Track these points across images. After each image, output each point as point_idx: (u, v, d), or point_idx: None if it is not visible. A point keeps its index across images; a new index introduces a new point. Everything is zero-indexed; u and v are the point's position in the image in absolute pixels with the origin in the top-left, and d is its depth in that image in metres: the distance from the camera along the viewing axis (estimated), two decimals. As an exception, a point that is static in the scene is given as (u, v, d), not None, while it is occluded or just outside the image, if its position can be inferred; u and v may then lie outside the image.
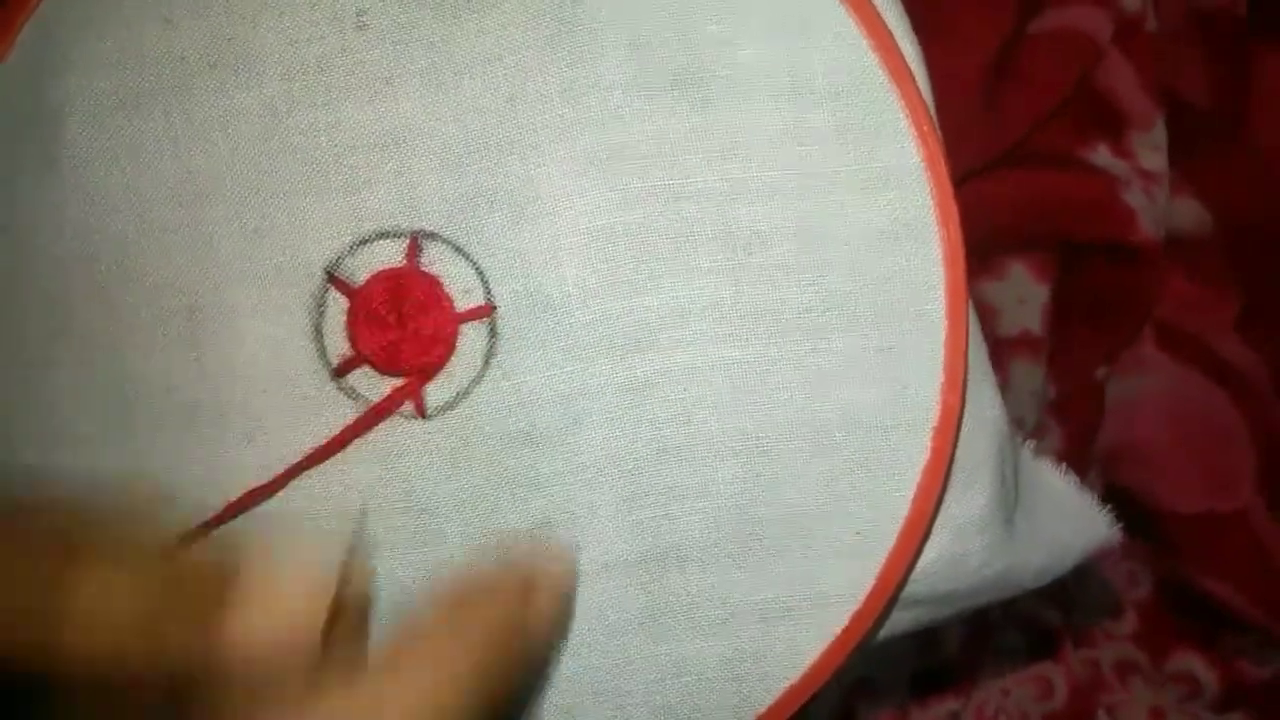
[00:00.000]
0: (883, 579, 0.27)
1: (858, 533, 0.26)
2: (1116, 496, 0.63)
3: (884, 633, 0.30)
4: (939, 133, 0.26)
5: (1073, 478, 0.33)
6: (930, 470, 0.26)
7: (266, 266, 0.26)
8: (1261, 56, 0.58)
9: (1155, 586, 0.59)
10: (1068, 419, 0.63)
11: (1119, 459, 0.63)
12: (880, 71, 0.26)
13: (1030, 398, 0.63)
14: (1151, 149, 0.58)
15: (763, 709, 0.27)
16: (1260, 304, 0.59)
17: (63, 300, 0.26)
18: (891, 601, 0.27)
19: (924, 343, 0.26)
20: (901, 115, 0.26)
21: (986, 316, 0.61)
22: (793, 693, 0.27)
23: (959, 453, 0.28)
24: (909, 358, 0.26)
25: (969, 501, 0.29)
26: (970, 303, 0.27)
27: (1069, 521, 0.32)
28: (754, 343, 0.26)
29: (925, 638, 0.58)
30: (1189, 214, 0.59)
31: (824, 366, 0.26)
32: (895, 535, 0.26)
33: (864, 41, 0.26)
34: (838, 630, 0.27)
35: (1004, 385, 0.71)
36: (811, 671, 0.27)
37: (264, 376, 0.26)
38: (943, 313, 0.26)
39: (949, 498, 0.28)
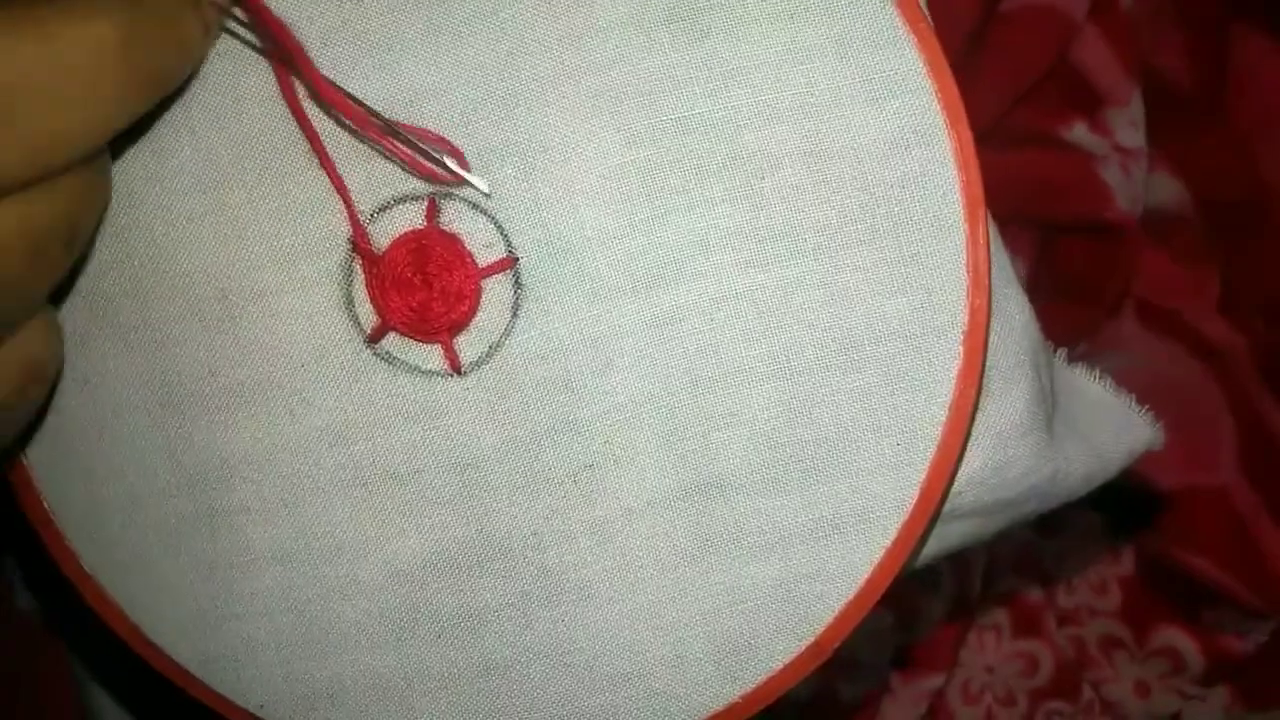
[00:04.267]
0: (927, 488, 0.27)
1: (897, 444, 0.27)
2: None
3: (937, 547, 0.30)
4: (936, 36, 0.26)
5: (1109, 383, 0.32)
6: (965, 374, 0.26)
7: (291, 243, 0.27)
8: (1239, 34, 0.58)
9: (1139, 563, 0.60)
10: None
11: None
12: (872, -19, 0.26)
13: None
14: (1129, 125, 0.58)
15: (822, 628, 0.27)
16: (1239, 281, 0.59)
17: (101, 296, 0.27)
18: (938, 510, 0.27)
19: (945, 248, 0.26)
20: (899, 22, 0.26)
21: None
22: (851, 609, 0.27)
23: (992, 358, 0.28)
24: (931, 264, 0.26)
25: (1007, 407, 0.29)
26: (986, 208, 0.27)
27: (1110, 425, 0.32)
28: (775, 266, 0.26)
29: (907, 614, 0.58)
30: (1167, 191, 0.59)
31: (847, 282, 0.26)
32: (935, 443, 0.26)
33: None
34: (888, 543, 0.27)
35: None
36: (867, 586, 0.27)
37: (301, 351, 0.27)
38: (961, 215, 0.26)
39: (987, 404, 0.29)
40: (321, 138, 0.27)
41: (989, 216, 0.27)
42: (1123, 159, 0.58)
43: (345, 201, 0.27)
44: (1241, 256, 0.58)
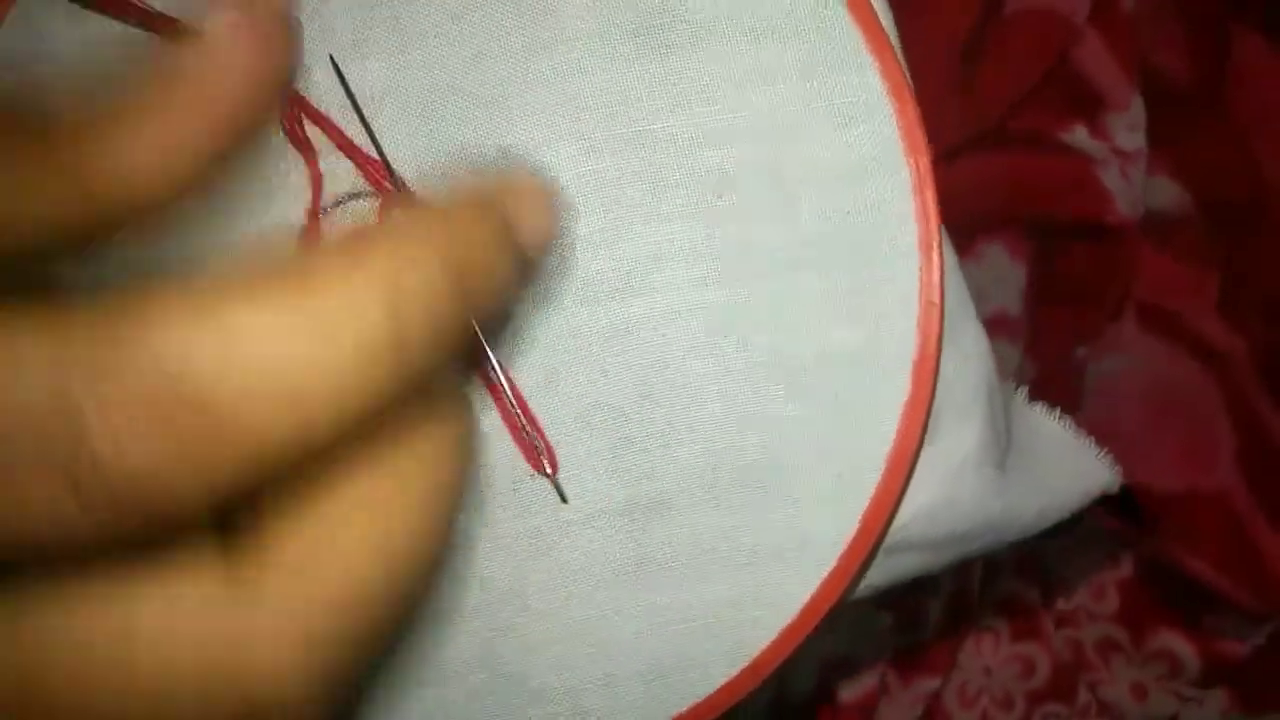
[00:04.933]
0: (867, 520, 0.26)
1: (839, 474, 0.26)
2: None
3: (888, 576, 0.30)
4: (904, 66, 0.26)
5: (1069, 423, 0.32)
6: (911, 408, 0.26)
7: (244, 231, 0.27)
8: (1238, 35, 0.58)
9: (1137, 565, 0.60)
10: (1047, 399, 0.63)
11: (1099, 439, 0.64)
12: (841, 6, 0.26)
13: (1010, 378, 0.63)
14: (1128, 129, 0.59)
15: (755, 654, 0.26)
16: (1239, 283, 0.59)
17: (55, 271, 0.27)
18: (878, 541, 0.27)
19: (898, 276, 0.26)
20: (864, 49, 0.26)
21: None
22: (785, 636, 0.26)
23: (945, 392, 0.28)
24: (884, 292, 0.26)
25: (959, 442, 0.29)
26: (945, 238, 0.27)
27: (1065, 466, 0.32)
28: (728, 284, 0.26)
29: (905, 616, 0.58)
30: (1167, 193, 0.60)
31: (798, 305, 0.26)
32: (878, 475, 0.26)
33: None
34: (825, 572, 0.26)
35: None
36: (803, 614, 0.26)
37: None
38: (915, 244, 0.26)
39: (938, 438, 0.28)
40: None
41: (945, 248, 0.28)
42: (1122, 163, 0.58)
43: (315, 194, 0.26)
44: (1241, 253, 0.58)
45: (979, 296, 0.68)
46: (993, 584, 0.59)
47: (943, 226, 0.27)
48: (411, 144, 0.26)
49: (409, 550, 0.16)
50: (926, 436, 0.28)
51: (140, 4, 0.26)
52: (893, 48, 0.26)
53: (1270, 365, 0.58)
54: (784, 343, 0.26)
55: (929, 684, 0.58)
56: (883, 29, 0.26)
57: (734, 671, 0.26)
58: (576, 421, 0.27)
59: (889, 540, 0.28)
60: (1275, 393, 0.58)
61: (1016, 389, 0.32)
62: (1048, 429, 0.32)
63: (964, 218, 0.63)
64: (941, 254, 0.26)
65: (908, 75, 0.26)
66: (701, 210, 0.26)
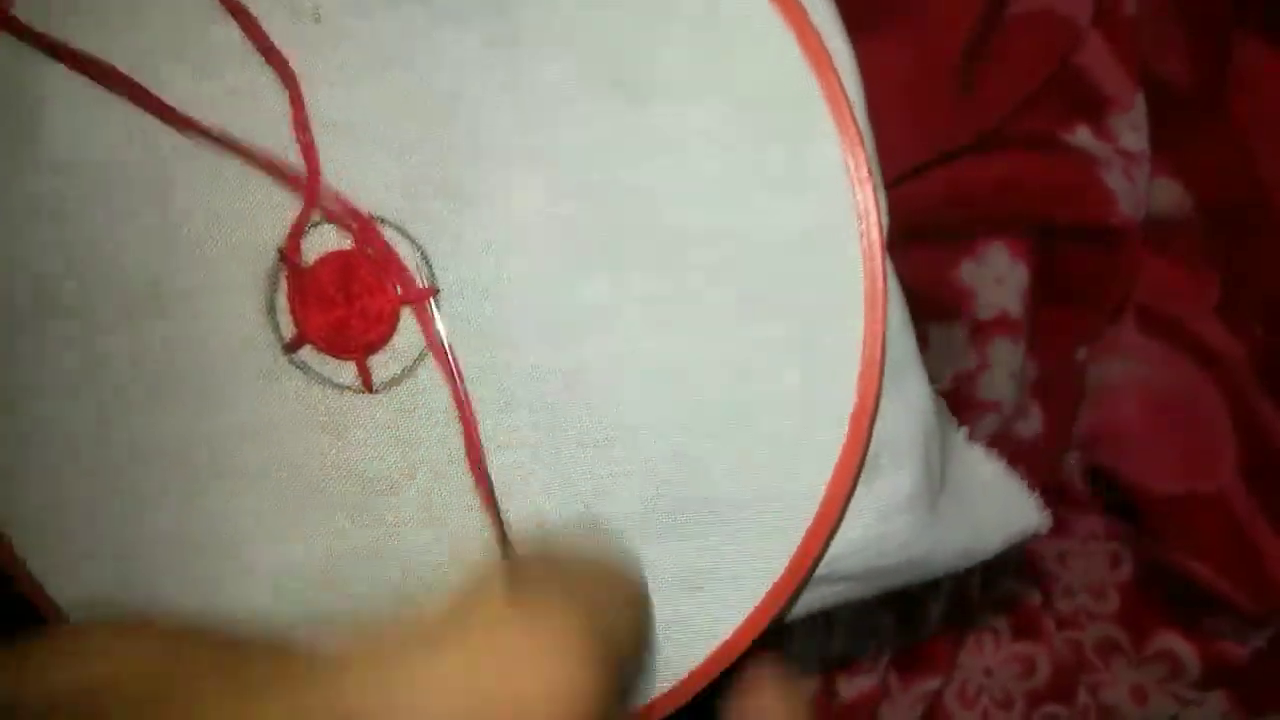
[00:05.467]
0: (799, 556, 0.28)
1: (777, 512, 0.28)
2: (1098, 478, 0.64)
3: (811, 606, 0.32)
4: (864, 137, 0.27)
5: (1003, 464, 0.34)
6: (846, 455, 0.28)
7: (224, 246, 0.28)
8: (1239, 39, 0.58)
9: (1137, 567, 0.60)
10: (1049, 400, 0.64)
11: (1100, 441, 0.64)
12: (809, 77, 0.27)
13: (1010, 379, 0.64)
14: (1131, 130, 0.58)
15: (683, 673, 0.28)
16: (1240, 286, 0.59)
17: (39, 273, 0.28)
18: (807, 576, 0.29)
19: (843, 336, 0.27)
20: (828, 120, 0.27)
21: (965, 298, 0.62)
22: (711, 660, 0.28)
23: (884, 437, 0.29)
24: (829, 349, 0.27)
25: (894, 485, 0.30)
26: (892, 295, 0.28)
27: (995, 507, 0.33)
28: (681, 333, 0.28)
29: (906, 616, 0.59)
30: (1169, 195, 0.59)
31: (747, 357, 0.28)
32: (812, 516, 0.28)
33: (794, 46, 0.27)
34: (755, 603, 0.28)
35: (983, 366, 0.71)
36: (730, 640, 0.28)
37: (223, 349, 0.28)
38: (860, 308, 0.27)
39: (874, 481, 0.30)
40: (268, 151, 0.28)
41: (900, 304, 0.29)
42: (1126, 164, 0.58)
43: (304, 216, 0.27)
44: (1242, 253, 0.57)
45: (980, 299, 0.68)
46: (993, 584, 0.59)
47: (897, 286, 0.29)
48: (389, 176, 0.27)
49: None
50: (863, 478, 0.29)
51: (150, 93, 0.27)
52: (855, 120, 0.27)
53: (1270, 368, 0.58)
54: (732, 390, 0.28)
55: (929, 684, 0.58)
56: (848, 101, 0.27)
57: (658, 692, 0.28)
58: (527, 449, 0.28)
59: (816, 573, 0.30)
60: (1275, 395, 0.58)
61: (958, 428, 0.33)
62: (983, 470, 0.33)
63: (966, 218, 0.63)
64: (885, 314, 0.27)
65: (868, 146, 0.27)
66: (658, 260, 0.27)
